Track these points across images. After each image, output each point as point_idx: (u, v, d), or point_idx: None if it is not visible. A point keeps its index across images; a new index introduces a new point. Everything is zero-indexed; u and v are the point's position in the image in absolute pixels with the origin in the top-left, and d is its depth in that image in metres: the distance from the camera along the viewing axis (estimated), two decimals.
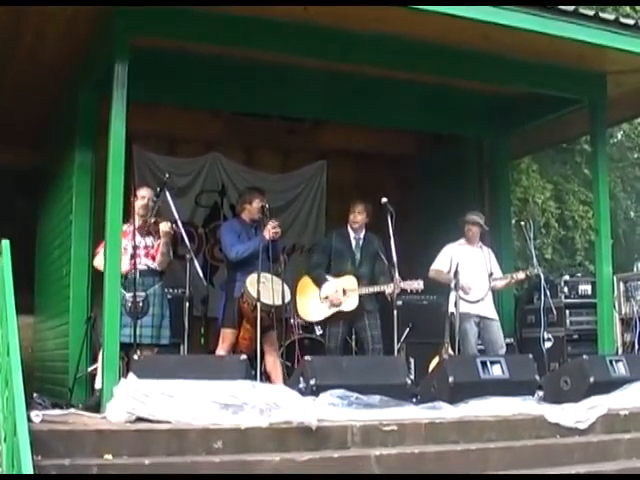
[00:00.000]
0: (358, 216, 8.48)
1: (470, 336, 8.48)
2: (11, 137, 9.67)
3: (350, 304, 8.29)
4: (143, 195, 7.56)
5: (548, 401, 7.12)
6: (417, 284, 8.25)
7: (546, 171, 16.13)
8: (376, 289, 8.28)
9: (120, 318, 6.77)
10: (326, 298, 8.32)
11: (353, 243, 8.54)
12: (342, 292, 8.29)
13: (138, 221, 7.44)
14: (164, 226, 7.41)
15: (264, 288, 7.48)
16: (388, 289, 8.16)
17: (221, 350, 7.83)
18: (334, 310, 8.30)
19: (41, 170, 10.22)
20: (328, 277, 8.39)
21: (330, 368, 6.77)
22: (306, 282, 8.54)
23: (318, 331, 9.47)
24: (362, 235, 8.55)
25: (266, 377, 7.70)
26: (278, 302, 7.49)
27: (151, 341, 7.35)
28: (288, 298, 7.78)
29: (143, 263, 7.42)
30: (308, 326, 9.56)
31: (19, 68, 8.15)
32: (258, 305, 7.43)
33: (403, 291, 8.25)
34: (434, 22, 7.06)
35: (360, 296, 8.28)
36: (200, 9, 6.79)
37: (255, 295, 7.46)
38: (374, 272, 8.45)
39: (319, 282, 8.40)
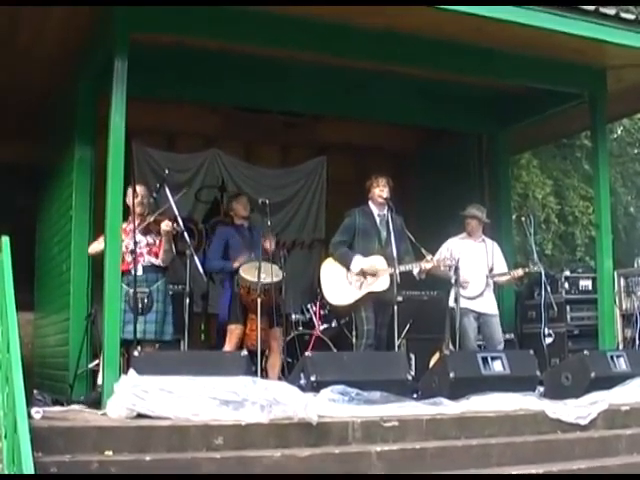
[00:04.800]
0: (384, 189, 8.16)
1: (470, 331, 8.45)
2: (11, 133, 9.65)
3: (381, 284, 7.91)
4: (137, 192, 7.53)
5: (549, 397, 7.12)
6: (449, 260, 8.15)
7: (546, 166, 16.12)
8: (408, 267, 7.95)
9: (124, 315, 6.78)
10: (359, 274, 7.93)
11: (377, 220, 8.18)
12: (374, 272, 7.93)
13: (137, 219, 7.42)
14: (165, 226, 7.43)
15: (256, 270, 7.68)
16: (422, 266, 7.94)
17: (228, 347, 7.87)
18: (365, 291, 7.92)
19: (41, 166, 10.19)
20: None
21: (330, 364, 6.77)
22: (329, 265, 8.20)
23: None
24: (385, 212, 8.17)
25: (265, 374, 7.73)
26: (275, 279, 7.76)
27: (155, 337, 7.39)
28: (279, 277, 7.86)
29: (147, 260, 7.47)
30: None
31: (17, 63, 8.12)
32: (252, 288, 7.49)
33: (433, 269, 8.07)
34: (431, 17, 7.07)
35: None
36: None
37: (249, 279, 7.74)
38: (399, 252, 7.93)
39: (346, 259, 8.03)
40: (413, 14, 7.06)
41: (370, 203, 8.29)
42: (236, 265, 8.03)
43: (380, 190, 8.18)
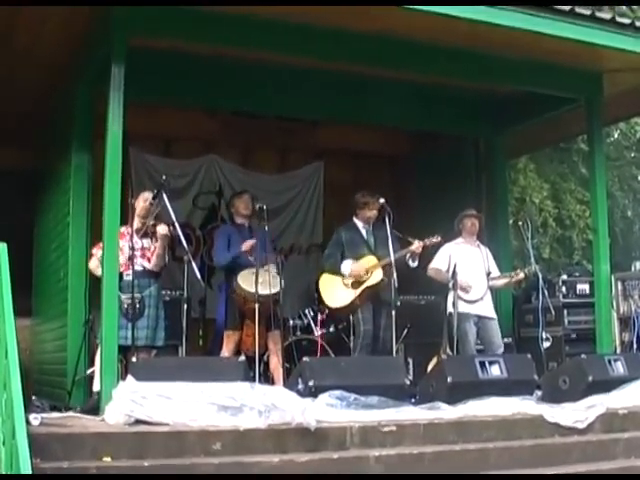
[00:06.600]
0: (375, 212, 8.42)
1: (469, 336, 8.43)
2: (8, 139, 9.65)
3: (375, 278, 8.18)
4: (146, 198, 7.56)
5: (547, 401, 7.11)
6: (435, 238, 8.29)
7: (543, 170, 16.14)
8: (397, 255, 8.09)
9: None
10: (349, 276, 8.19)
11: (363, 232, 8.47)
12: (364, 271, 8.19)
13: (137, 223, 7.43)
14: (162, 229, 7.44)
15: (254, 280, 7.65)
16: (410, 249, 8.14)
17: (226, 352, 7.89)
18: (361, 288, 8.15)
19: (38, 172, 10.18)
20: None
21: (328, 369, 6.77)
22: (325, 277, 8.48)
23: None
24: (370, 225, 8.50)
25: (271, 378, 7.76)
26: (273, 290, 7.70)
27: (146, 342, 7.35)
28: (277, 288, 7.83)
29: (139, 264, 7.45)
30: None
31: (14, 68, 8.12)
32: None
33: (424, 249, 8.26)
34: (428, 21, 7.06)
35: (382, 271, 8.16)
36: (198, 9, 6.80)
37: (246, 288, 7.73)
38: (394, 250, 8.15)
39: (336, 267, 8.32)
40: (400, 19, 7.07)
41: (355, 219, 8.53)
42: (244, 248, 7.99)
43: (374, 214, 8.43)
